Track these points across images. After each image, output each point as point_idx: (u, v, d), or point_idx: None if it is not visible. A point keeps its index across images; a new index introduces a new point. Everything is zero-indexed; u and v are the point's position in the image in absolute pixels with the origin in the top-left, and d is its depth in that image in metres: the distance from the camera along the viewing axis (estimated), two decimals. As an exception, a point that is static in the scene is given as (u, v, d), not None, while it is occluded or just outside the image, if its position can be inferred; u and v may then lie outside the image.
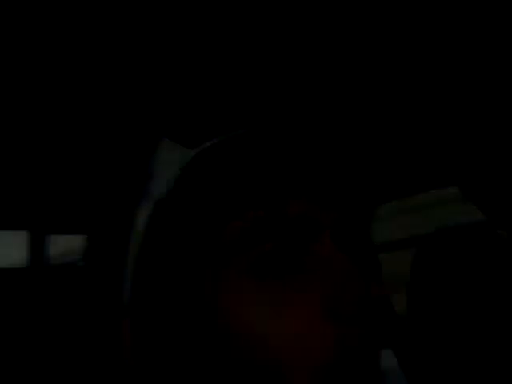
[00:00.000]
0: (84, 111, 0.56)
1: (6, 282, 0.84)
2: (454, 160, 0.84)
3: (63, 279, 0.81)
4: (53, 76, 0.49)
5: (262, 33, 0.47)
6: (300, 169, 0.42)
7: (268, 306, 0.39)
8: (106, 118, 0.56)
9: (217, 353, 0.40)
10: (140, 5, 0.42)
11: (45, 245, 0.91)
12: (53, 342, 0.77)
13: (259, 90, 0.52)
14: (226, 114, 0.46)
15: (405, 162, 0.90)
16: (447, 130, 0.77)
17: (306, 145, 0.45)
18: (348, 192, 0.45)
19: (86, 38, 0.45)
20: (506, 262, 1.15)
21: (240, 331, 0.39)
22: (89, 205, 0.68)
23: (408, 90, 0.64)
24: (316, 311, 0.39)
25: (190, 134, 0.45)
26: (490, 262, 1.15)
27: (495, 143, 0.79)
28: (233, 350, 0.40)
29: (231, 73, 0.50)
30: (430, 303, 1.19)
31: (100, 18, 0.42)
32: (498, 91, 0.67)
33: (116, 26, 0.44)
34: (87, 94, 0.53)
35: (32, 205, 0.81)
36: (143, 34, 0.45)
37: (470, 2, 0.49)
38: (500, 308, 1.10)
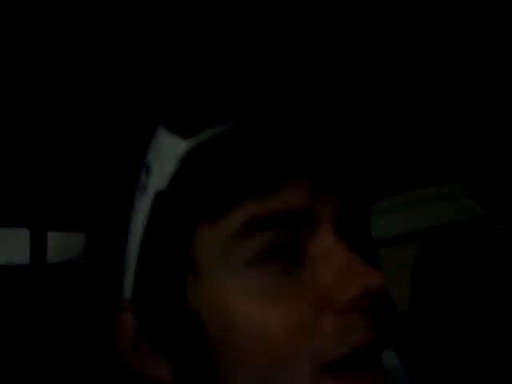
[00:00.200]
0: (81, 107, 0.56)
1: (7, 280, 0.84)
2: (454, 155, 0.84)
3: (64, 276, 0.81)
4: (46, 67, 0.49)
5: (262, 23, 0.47)
6: (301, 159, 0.42)
7: (268, 297, 0.39)
8: (103, 111, 0.56)
9: (217, 346, 0.40)
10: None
11: (46, 242, 0.91)
12: (53, 338, 0.77)
13: (258, 80, 0.52)
14: (225, 104, 0.45)
15: (405, 157, 0.90)
16: (447, 124, 0.77)
17: (310, 136, 0.44)
18: (350, 184, 0.45)
19: (79, 25, 0.45)
20: (507, 258, 1.15)
21: (240, 323, 0.39)
22: (89, 201, 0.68)
23: (407, 83, 0.64)
24: (317, 303, 0.39)
25: (188, 125, 0.44)
26: (491, 258, 1.15)
27: (495, 138, 0.78)
28: (233, 343, 0.40)
29: (230, 62, 0.50)
30: (432, 300, 1.19)
31: (91, 5, 0.42)
32: (497, 88, 0.67)
33: (108, 12, 0.43)
34: (84, 90, 0.53)
35: (32, 202, 0.81)
36: (137, 22, 0.45)
37: (470, 1, 0.49)
38: (502, 305, 1.10)
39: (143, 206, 0.43)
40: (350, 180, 0.45)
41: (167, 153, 0.43)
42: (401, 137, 0.79)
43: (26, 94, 0.53)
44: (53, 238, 0.92)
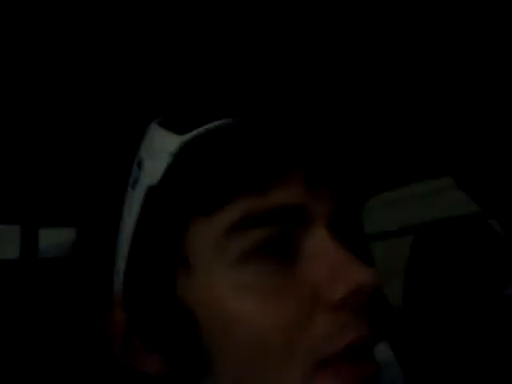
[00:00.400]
0: (73, 103, 0.55)
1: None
2: (448, 150, 0.84)
3: (55, 272, 0.81)
4: (40, 63, 0.49)
5: (259, 18, 0.47)
6: (293, 156, 0.42)
7: (260, 293, 0.39)
8: (96, 108, 0.55)
9: (210, 341, 0.40)
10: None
11: (37, 238, 0.90)
12: (44, 333, 0.77)
13: (252, 77, 0.52)
14: (219, 101, 0.45)
15: (397, 153, 0.90)
16: (441, 120, 0.77)
17: (300, 132, 0.44)
18: (343, 182, 0.45)
19: (75, 22, 0.44)
20: (498, 252, 1.16)
21: (231, 318, 0.39)
22: (80, 196, 0.68)
23: (400, 81, 0.64)
24: (310, 298, 0.39)
25: (179, 121, 0.44)
26: (483, 252, 1.16)
27: (488, 134, 0.79)
28: (225, 338, 0.39)
29: (224, 59, 0.50)
30: (426, 293, 1.19)
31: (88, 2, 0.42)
32: (489, 83, 0.67)
33: (105, 9, 0.43)
34: (77, 88, 0.53)
35: (24, 198, 0.81)
36: (134, 20, 0.45)
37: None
38: (495, 298, 1.11)
39: (135, 201, 0.43)
40: (343, 178, 0.45)
41: (160, 148, 0.43)
42: (393, 133, 0.79)
43: (17, 92, 0.53)
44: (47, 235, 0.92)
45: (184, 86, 0.51)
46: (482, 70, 0.64)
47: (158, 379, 0.43)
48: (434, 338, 1.14)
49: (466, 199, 0.91)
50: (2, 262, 0.86)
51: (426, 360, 1.13)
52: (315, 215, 0.41)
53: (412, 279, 1.24)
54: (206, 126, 0.43)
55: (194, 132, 0.42)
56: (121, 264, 0.44)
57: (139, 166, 0.43)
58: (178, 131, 0.43)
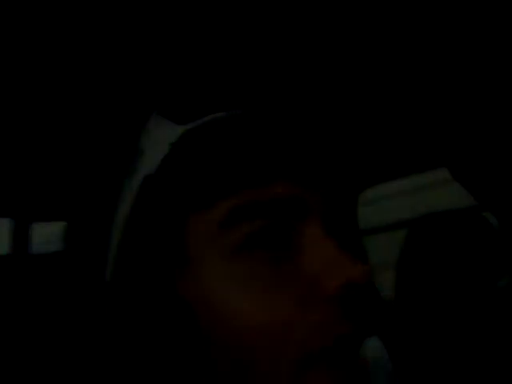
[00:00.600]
0: (69, 96, 0.55)
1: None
2: (443, 142, 0.84)
3: (47, 266, 0.80)
4: (35, 55, 0.48)
5: (257, 14, 0.46)
6: (289, 151, 0.42)
7: (254, 286, 0.39)
8: (93, 99, 0.55)
9: (207, 333, 0.40)
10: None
11: (28, 232, 0.89)
12: (37, 328, 0.76)
13: (252, 71, 0.52)
14: (218, 93, 0.45)
15: (391, 145, 0.90)
16: (435, 112, 0.77)
17: (296, 129, 0.44)
18: (335, 175, 0.45)
19: (73, 18, 0.44)
20: (494, 247, 1.16)
21: (226, 310, 0.39)
22: (74, 189, 0.67)
23: (393, 76, 0.64)
24: (303, 293, 0.39)
25: (180, 112, 0.44)
26: (477, 245, 1.16)
27: (483, 126, 0.78)
28: (220, 330, 0.39)
29: (226, 53, 0.50)
30: (418, 288, 1.20)
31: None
32: (484, 78, 0.67)
33: (102, 6, 0.43)
34: (73, 79, 0.52)
35: (15, 192, 0.80)
36: (132, 13, 0.45)
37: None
38: (489, 290, 1.11)
39: (131, 190, 0.43)
40: (335, 173, 0.45)
41: (160, 138, 0.43)
42: (387, 125, 0.79)
43: (8, 85, 0.52)
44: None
45: (186, 78, 0.51)
46: (475, 63, 0.63)
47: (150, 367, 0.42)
48: (426, 332, 1.15)
49: (461, 193, 0.91)
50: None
51: (418, 354, 1.13)
52: (308, 210, 0.41)
53: (405, 272, 1.25)
54: (206, 118, 0.43)
55: (195, 123, 0.42)
56: (112, 253, 0.43)
57: (138, 155, 0.43)
58: (179, 122, 0.43)
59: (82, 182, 0.56)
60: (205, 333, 0.39)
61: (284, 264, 0.40)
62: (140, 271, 0.42)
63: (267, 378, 0.38)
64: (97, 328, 0.45)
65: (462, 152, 0.83)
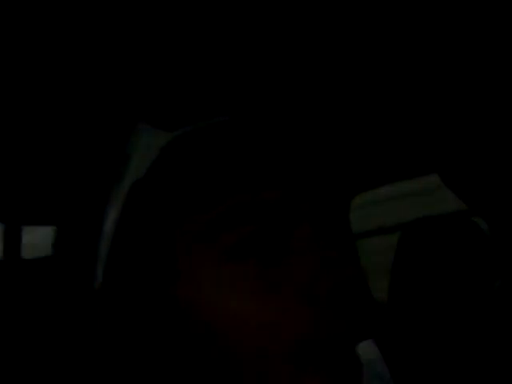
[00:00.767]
0: (59, 100, 0.55)
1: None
2: (433, 148, 0.85)
3: (38, 271, 0.80)
4: (25, 58, 0.48)
5: (247, 19, 0.46)
6: (279, 158, 0.43)
7: (244, 290, 0.39)
8: (80, 104, 0.55)
9: (191, 338, 0.40)
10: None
11: (20, 236, 0.89)
12: (27, 332, 0.76)
13: (240, 78, 0.52)
14: (205, 101, 0.45)
15: (382, 151, 0.90)
16: (426, 117, 0.77)
17: (284, 136, 0.45)
18: (325, 181, 0.45)
19: (63, 21, 0.44)
20: (485, 251, 1.16)
21: (215, 315, 0.39)
22: (64, 194, 0.67)
23: (381, 83, 0.64)
24: (293, 296, 0.39)
25: (167, 119, 0.44)
26: (470, 252, 1.16)
27: (474, 131, 0.79)
28: (209, 336, 0.39)
29: (213, 59, 0.50)
30: (412, 291, 1.20)
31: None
32: (472, 84, 0.68)
33: (91, 7, 0.43)
34: (63, 84, 0.52)
35: (6, 196, 0.80)
36: (120, 17, 0.45)
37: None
38: (479, 296, 1.11)
39: (119, 196, 0.43)
40: (326, 178, 0.45)
41: (148, 144, 0.43)
42: (377, 131, 0.80)
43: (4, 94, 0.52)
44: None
45: (172, 85, 0.51)
46: (463, 70, 0.64)
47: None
48: (421, 335, 1.15)
49: (451, 198, 0.92)
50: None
51: (413, 358, 1.13)
52: (298, 216, 0.41)
53: (398, 276, 1.25)
54: (194, 125, 0.43)
55: (183, 129, 0.43)
56: (102, 258, 0.44)
57: (126, 161, 0.43)
58: (167, 129, 0.43)
59: (71, 186, 0.56)
60: (197, 334, 0.40)
61: (273, 267, 0.40)
62: (130, 277, 0.42)
63: (259, 376, 0.38)
64: (86, 334, 0.45)
65: (452, 158, 0.83)
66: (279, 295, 0.39)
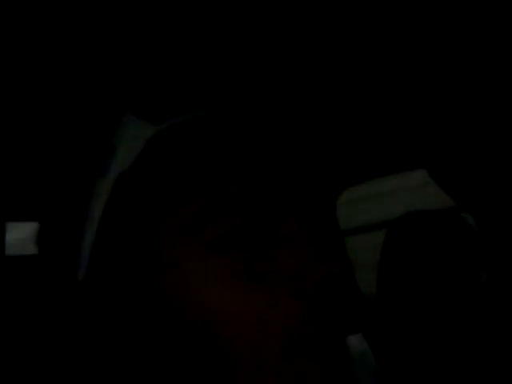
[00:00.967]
0: (40, 94, 0.54)
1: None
2: (421, 142, 0.85)
3: (22, 269, 0.79)
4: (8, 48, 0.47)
5: (231, 16, 0.46)
6: (265, 152, 0.43)
7: (232, 282, 0.39)
8: (64, 96, 0.54)
9: (179, 333, 0.40)
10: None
11: (4, 233, 0.88)
12: (13, 330, 0.75)
13: (227, 72, 0.51)
14: (191, 94, 0.45)
15: (368, 146, 0.90)
16: (415, 112, 0.77)
17: (271, 131, 0.44)
18: (312, 176, 0.45)
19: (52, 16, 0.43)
20: (472, 245, 1.17)
21: (202, 309, 0.39)
22: (48, 188, 0.66)
23: (370, 77, 0.64)
24: (281, 289, 0.39)
25: (153, 112, 0.43)
26: (457, 246, 1.17)
27: (462, 128, 0.79)
28: (197, 330, 0.39)
29: (199, 53, 0.49)
30: (399, 286, 1.20)
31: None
32: (462, 79, 0.68)
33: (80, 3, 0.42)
34: (45, 77, 0.51)
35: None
36: (108, 12, 0.44)
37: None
38: (466, 290, 1.12)
39: (104, 188, 0.43)
40: (313, 172, 0.45)
41: (134, 136, 0.43)
42: (364, 129, 0.79)
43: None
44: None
45: (158, 78, 0.50)
46: (452, 64, 0.64)
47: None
48: (409, 329, 1.15)
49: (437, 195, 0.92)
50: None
51: (403, 353, 1.13)
52: (284, 210, 0.42)
53: (386, 271, 1.25)
54: (180, 118, 0.43)
55: (168, 122, 0.43)
56: (86, 252, 0.43)
57: (111, 153, 0.43)
58: (154, 121, 0.43)
59: (54, 180, 0.55)
60: (185, 329, 0.40)
61: (260, 260, 0.40)
62: (115, 270, 0.42)
63: (250, 369, 0.38)
64: (72, 330, 0.44)
65: (441, 153, 0.84)
66: (266, 288, 0.39)
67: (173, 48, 0.48)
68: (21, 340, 0.75)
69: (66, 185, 0.47)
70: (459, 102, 0.74)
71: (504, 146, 0.79)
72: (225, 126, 0.42)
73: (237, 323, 0.38)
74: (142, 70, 0.50)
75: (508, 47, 0.58)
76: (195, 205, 0.39)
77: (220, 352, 0.39)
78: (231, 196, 0.39)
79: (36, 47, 0.47)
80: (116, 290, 0.42)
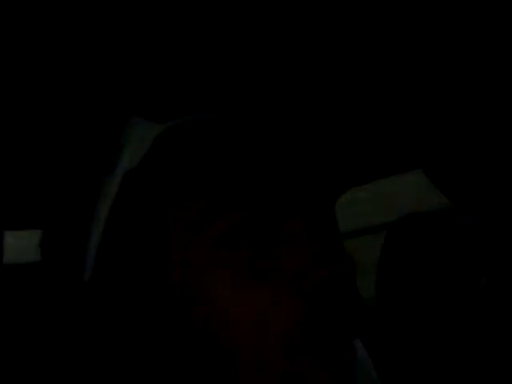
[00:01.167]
0: (43, 94, 0.54)
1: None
2: (420, 144, 0.85)
3: (22, 277, 0.79)
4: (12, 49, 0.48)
5: (236, 18, 0.47)
6: (268, 153, 0.43)
7: (237, 279, 0.40)
8: (69, 97, 0.54)
9: (186, 331, 0.40)
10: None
11: (2, 241, 0.87)
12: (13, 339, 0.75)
13: (231, 75, 0.52)
14: (195, 97, 0.45)
15: (368, 148, 0.90)
16: (412, 113, 0.77)
17: (275, 135, 0.45)
18: (315, 177, 0.45)
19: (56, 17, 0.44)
20: (471, 248, 1.17)
21: (209, 306, 0.39)
22: (50, 193, 0.66)
23: (367, 79, 0.64)
24: (284, 288, 0.40)
25: (164, 113, 0.44)
26: (456, 249, 1.17)
27: (460, 128, 0.79)
28: (203, 329, 0.39)
29: (204, 56, 0.49)
30: (399, 290, 1.20)
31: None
32: (458, 80, 0.68)
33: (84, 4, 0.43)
34: (49, 79, 0.51)
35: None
36: (112, 13, 0.44)
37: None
38: (468, 296, 1.12)
39: (111, 187, 0.43)
40: (314, 174, 0.45)
41: (142, 135, 0.44)
42: (362, 132, 0.80)
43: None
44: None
45: (164, 81, 0.51)
46: (447, 65, 0.64)
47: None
48: (408, 333, 1.15)
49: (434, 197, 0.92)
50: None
51: (401, 356, 1.13)
52: (287, 210, 0.42)
53: (385, 274, 1.25)
54: (186, 118, 0.43)
55: (175, 121, 0.43)
56: (92, 252, 0.43)
57: (119, 151, 0.43)
58: (161, 121, 0.43)
59: (59, 180, 0.55)
60: (191, 326, 0.40)
61: (264, 258, 0.40)
62: (123, 268, 0.42)
63: (253, 369, 0.38)
64: (77, 332, 0.44)
65: (439, 154, 0.84)
66: (269, 287, 0.40)
67: (182, 53, 0.48)
68: (27, 344, 0.75)
69: (72, 184, 0.47)
70: (458, 103, 0.74)
71: (502, 148, 0.79)
72: (229, 127, 0.42)
73: (237, 322, 0.38)
74: (149, 73, 0.50)
75: (507, 48, 0.58)
76: (202, 200, 0.40)
77: (220, 352, 0.39)
78: (236, 193, 0.40)
79: (46, 50, 0.48)
80: (122, 290, 0.42)
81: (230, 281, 0.39)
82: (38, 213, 0.79)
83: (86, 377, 0.45)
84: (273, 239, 0.41)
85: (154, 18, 0.46)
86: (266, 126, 0.44)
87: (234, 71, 0.50)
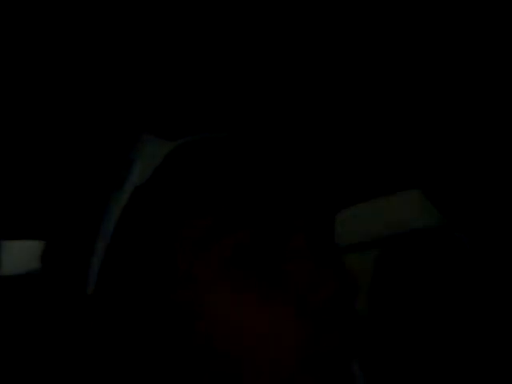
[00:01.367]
0: (51, 106, 0.54)
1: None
2: (417, 161, 0.85)
3: (20, 288, 0.78)
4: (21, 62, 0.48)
5: (251, 28, 0.47)
6: (274, 172, 0.43)
7: (244, 296, 0.40)
8: (77, 110, 0.54)
9: (191, 349, 0.40)
10: None
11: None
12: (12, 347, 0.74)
13: (245, 92, 0.52)
14: (204, 115, 0.46)
15: (366, 166, 0.91)
16: (410, 130, 0.78)
17: (280, 154, 0.45)
18: (315, 195, 0.46)
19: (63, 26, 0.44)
20: (467, 267, 1.17)
21: (215, 323, 0.39)
22: (54, 203, 0.66)
23: (366, 96, 0.65)
24: (291, 305, 0.40)
25: (174, 130, 0.44)
26: (451, 267, 1.17)
27: (456, 144, 0.80)
28: (208, 347, 0.39)
29: (219, 71, 0.50)
30: (392, 305, 1.20)
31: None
32: (455, 95, 0.68)
33: (91, 15, 0.43)
34: (57, 89, 0.52)
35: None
36: (122, 26, 0.45)
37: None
38: (461, 312, 1.12)
39: (119, 201, 0.43)
40: (315, 193, 0.46)
41: (152, 152, 0.44)
42: (359, 144, 0.80)
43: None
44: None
45: (174, 98, 0.51)
46: (445, 81, 0.65)
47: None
48: (402, 351, 1.15)
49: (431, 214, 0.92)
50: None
51: (395, 372, 1.13)
52: (291, 228, 0.42)
53: (378, 291, 1.25)
54: (196, 136, 0.44)
55: (186, 139, 0.43)
56: (96, 265, 0.43)
57: (128, 167, 0.44)
58: (171, 139, 0.44)
59: (66, 194, 0.56)
60: (196, 344, 0.40)
61: (270, 276, 0.40)
62: (128, 283, 0.42)
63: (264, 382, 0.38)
64: (81, 344, 0.44)
65: (436, 172, 0.84)
66: (277, 304, 0.40)
67: (194, 72, 0.49)
68: (26, 356, 0.74)
69: (79, 197, 0.47)
70: (454, 122, 0.75)
71: (498, 166, 0.80)
72: (237, 146, 0.43)
73: (247, 340, 0.38)
74: (161, 90, 0.51)
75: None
76: (209, 218, 0.40)
77: (229, 369, 0.39)
78: (242, 211, 0.40)
79: (59, 67, 0.48)
80: (126, 305, 0.42)
81: (237, 297, 0.39)
82: (42, 224, 0.79)
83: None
84: (279, 256, 0.41)
85: (167, 36, 0.46)
86: (271, 146, 0.44)
87: (243, 88, 0.50)
